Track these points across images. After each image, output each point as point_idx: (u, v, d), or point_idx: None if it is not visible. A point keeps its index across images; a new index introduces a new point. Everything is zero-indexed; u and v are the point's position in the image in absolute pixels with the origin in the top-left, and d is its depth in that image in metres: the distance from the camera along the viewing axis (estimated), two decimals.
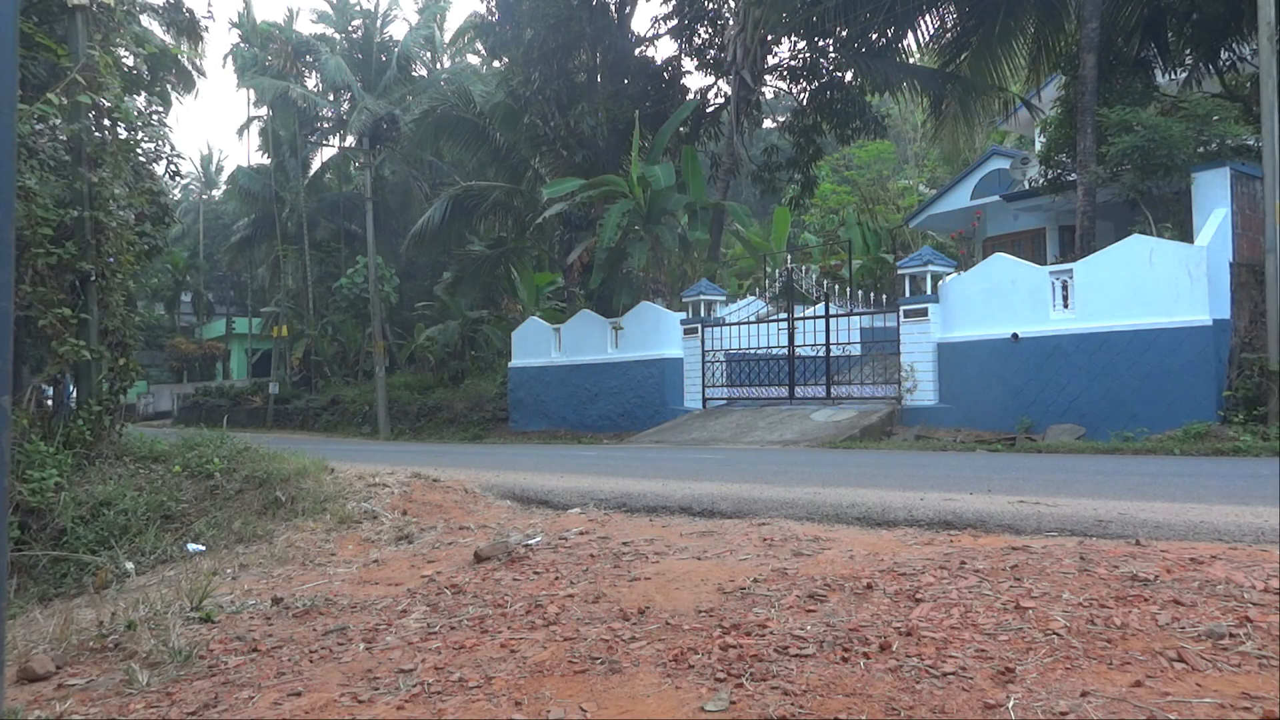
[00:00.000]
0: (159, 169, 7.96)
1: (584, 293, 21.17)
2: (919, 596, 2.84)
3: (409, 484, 6.08)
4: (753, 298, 18.02)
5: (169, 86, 21.83)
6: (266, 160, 37.78)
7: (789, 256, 18.91)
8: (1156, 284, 11.17)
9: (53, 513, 5.29)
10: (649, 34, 23.22)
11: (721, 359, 16.66)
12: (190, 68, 24.22)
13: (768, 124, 28.03)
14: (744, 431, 13.93)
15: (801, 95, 21.63)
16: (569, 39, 20.55)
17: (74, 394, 6.68)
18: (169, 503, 5.58)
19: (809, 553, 3.58)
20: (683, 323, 17.15)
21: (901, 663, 2.30)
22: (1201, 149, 12.95)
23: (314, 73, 35.37)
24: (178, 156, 8.74)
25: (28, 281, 6.02)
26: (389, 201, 33.72)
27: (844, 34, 18.51)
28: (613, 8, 21.85)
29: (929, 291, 13.63)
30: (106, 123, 6.96)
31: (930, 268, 13.70)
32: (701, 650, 2.52)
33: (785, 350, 15.82)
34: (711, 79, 22.59)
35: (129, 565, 4.75)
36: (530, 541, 4.15)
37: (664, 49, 66.39)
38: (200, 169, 52.77)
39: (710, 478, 6.73)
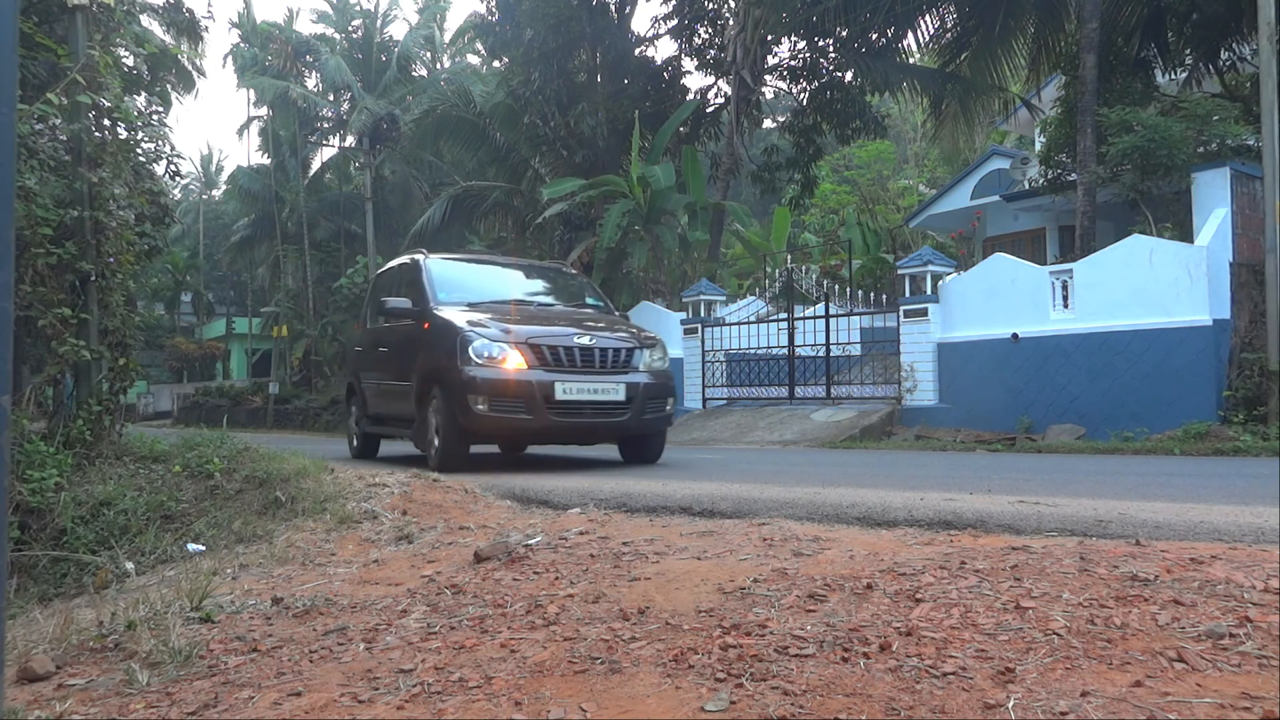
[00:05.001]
0: (159, 169, 7.96)
1: None
2: (919, 596, 2.84)
3: (409, 484, 6.06)
4: (753, 298, 18.00)
5: (169, 86, 21.83)
6: (266, 160, 37.78)
7: (789, 256, 18.90)
8: (1156, 284, 11.17)
9: (53, 513, 5.28)
10: (649, 34, 23.23)
11: (721, 359, 16.64)
12: (190, 68, 24.22)
13: (768, 124, 28.02)
14: (744, 431, 13.93)
15: (801, 95, 21.63)
16: (569, 39, 20.54)
17: (74, 394, 6.68)
18: (169, 503, 5.58)
19: (809, 553, 3.58)
20: (683, 323, 17.13)
21: (901, 663, 2.30)
22: (1201, 149, 12.95)
23: (314, 73, 35.36)
24: (178, 156, 8.75)
25: (28, 281, 6.02)
26: (389, 201, 33.71)
27: (844, 34, 18.51)
28: (613, 8, 21.85)
29: (929, 291, 13.63)
30: (106, 123, 6.95)
31: (930, 268, 13.70)
32: (701, 650, 2.51)
33: (785, 350, 15.81)
34: (711, 79, 22.60)
35: (129, 565, 4.75)
36: (530, 541, 4.15)
37: (664, 49, 66.51)
38: (200, 169, 52.82)
39: (710, 477, 6.73)
